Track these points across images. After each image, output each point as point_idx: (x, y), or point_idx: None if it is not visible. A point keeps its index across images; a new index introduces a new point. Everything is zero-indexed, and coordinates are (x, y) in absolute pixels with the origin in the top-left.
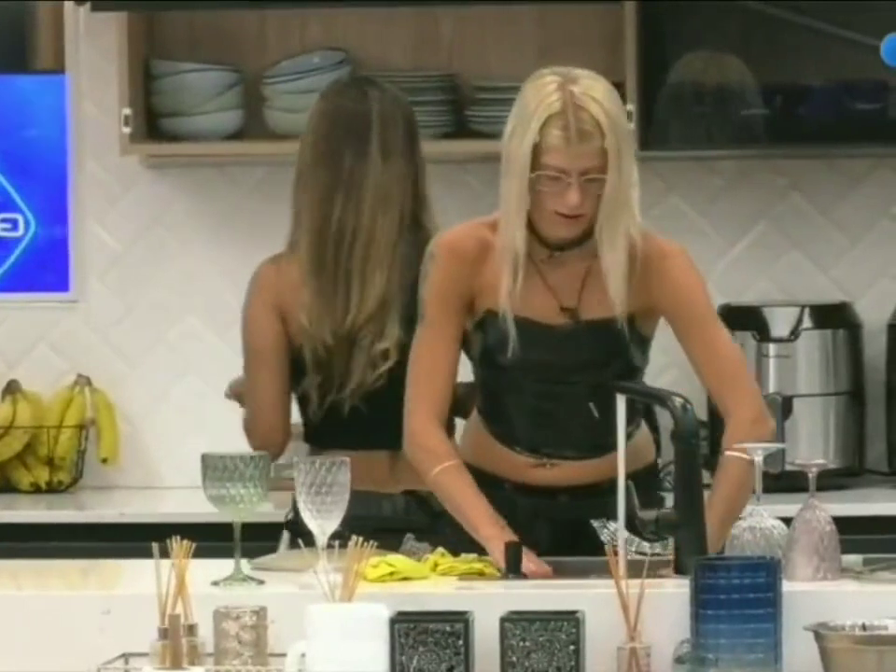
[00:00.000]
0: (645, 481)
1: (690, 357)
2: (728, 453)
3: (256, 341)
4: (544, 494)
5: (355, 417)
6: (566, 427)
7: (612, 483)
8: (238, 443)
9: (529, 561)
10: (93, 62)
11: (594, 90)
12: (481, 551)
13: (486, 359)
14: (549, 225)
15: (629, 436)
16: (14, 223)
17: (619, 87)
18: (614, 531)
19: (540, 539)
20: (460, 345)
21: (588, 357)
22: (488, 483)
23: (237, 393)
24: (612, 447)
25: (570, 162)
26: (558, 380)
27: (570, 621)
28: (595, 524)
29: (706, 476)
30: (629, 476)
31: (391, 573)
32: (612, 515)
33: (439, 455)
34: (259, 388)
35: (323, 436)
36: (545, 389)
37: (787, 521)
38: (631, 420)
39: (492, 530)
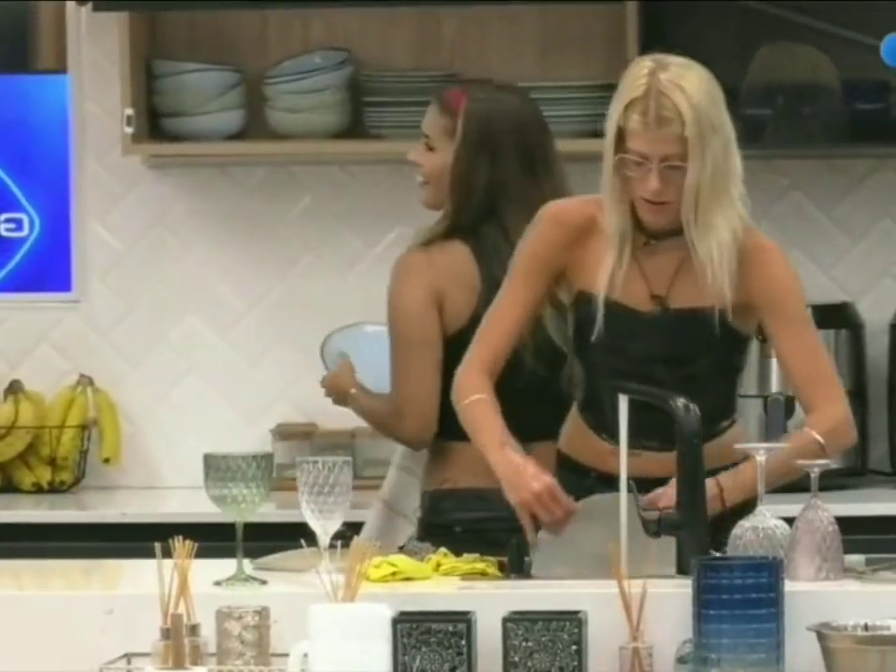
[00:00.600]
0: None
1: (779, 353)
2: (807, 429)
3: (413, 333)
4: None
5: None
6: (650, 416)
7: None
8: (239, 443)
9: (546, 511)
10: (95, 62)
11: (683, 78)
12: None
13: (577, 342)
14: (640, 211)
15: (721, 432)
16: (19, 223)
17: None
18: None
19: None
20: (535, 313)
21: (675, 349)
22: (576, 470)
23: (340, 392)
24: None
25: (650, 147)
26: (644, 368)
27: (573, 621)
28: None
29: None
30: (715, 471)
31: (393, 573)
32: None
33: (472, 391)
34: (413, 382)
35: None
36: (631, 377)
37: (789, 521)
38: (726, 415)
39: (498, 455)
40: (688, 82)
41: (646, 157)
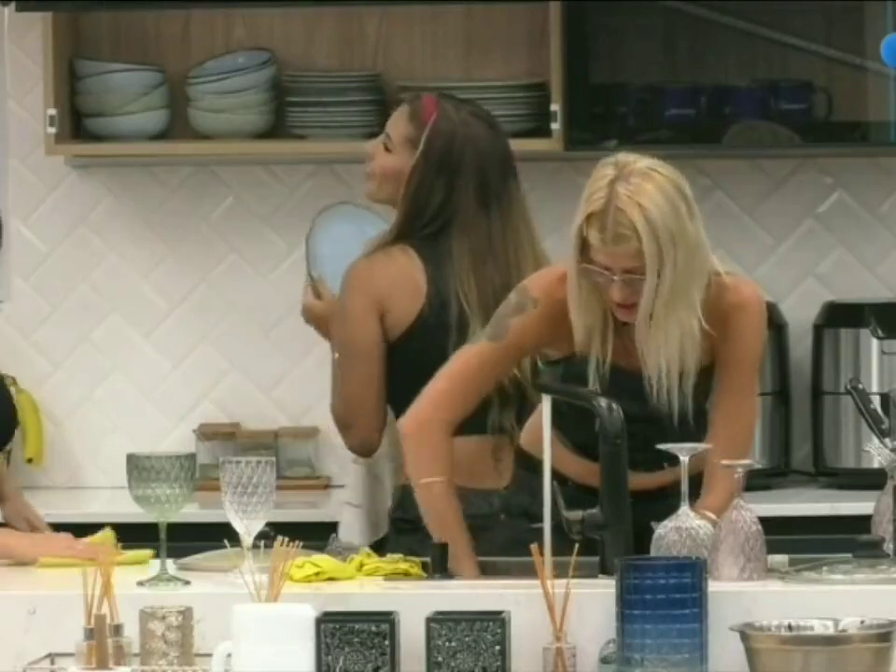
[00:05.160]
0: None
1: (713, 412)
2: (703, 510)
3: (355, 342)
4: None
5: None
6: (631, 453)
7: (675, 488)
8: (162, 443)
9: None
10: (18, 61)
11: (640, 192)
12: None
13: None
14: (613, 309)
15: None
16: None
17: (543, 86)
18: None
19: None
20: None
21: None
22: (555, 476)
23: (316, 315)
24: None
25: (610, 261)
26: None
27: (496, 621)
28: (655, 525)
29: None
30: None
31: (317, 573)
32: (663, 518)
33: (432, 462)
34: (359, 389)
35: None
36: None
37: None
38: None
39: (469, 565)
40: (646, 197)
41: (608, 268)
